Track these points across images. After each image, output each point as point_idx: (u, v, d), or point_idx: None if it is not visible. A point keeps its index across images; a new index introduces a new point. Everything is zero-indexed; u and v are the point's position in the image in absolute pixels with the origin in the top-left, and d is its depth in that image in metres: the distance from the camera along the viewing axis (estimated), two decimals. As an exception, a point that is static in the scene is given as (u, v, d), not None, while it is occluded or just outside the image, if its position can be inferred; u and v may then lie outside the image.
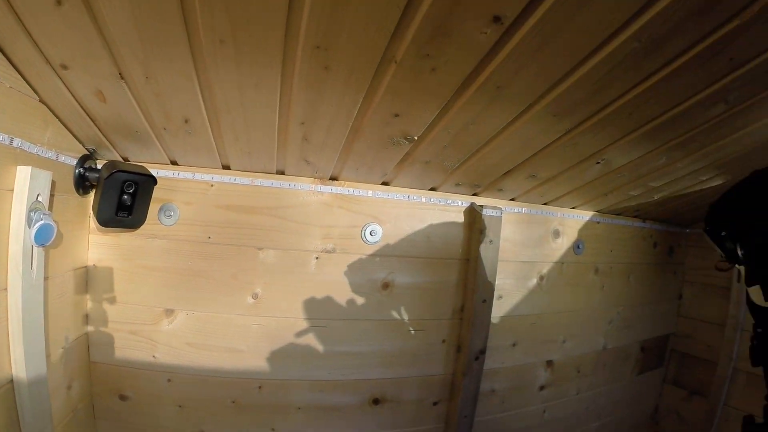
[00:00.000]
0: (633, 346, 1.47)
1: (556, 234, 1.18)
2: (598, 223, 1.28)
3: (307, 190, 0.93)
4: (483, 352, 1.06)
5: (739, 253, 0.55)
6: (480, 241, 1.00)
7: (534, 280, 1.15)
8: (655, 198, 1.22)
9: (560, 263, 1.20)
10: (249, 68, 0.56)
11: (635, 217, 1.40)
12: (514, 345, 1.15)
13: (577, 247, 1.23)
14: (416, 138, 0.76)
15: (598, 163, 0.89)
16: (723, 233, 0.60)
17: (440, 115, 0.69)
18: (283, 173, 0.92)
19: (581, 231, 1.25)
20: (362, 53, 0.53)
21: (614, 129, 0.76)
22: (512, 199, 1.12)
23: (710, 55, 0.56)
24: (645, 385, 1.53)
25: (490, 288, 1.03)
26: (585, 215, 1.25)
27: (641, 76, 0.60)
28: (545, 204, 1.17)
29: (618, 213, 1.34)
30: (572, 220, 1.22)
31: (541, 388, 1.24)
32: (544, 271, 1.17)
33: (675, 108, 0.69)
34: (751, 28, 0.53)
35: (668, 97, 0.66)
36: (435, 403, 1.09)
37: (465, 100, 0.63)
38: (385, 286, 0.98)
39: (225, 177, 0.87)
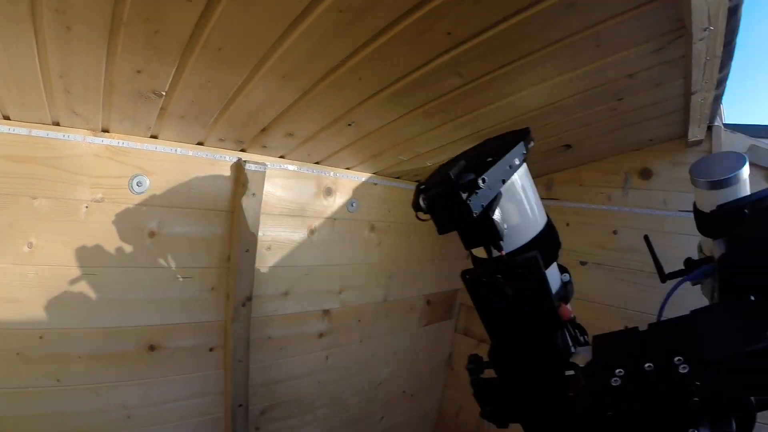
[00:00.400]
0: (417, 299, 2.56)
1: (329, 192, 2.05)
2: (376, 184, 2.20)
3: (80, 141, 1.51)
4: (249, 299, 1.85)
5: (422, 204, 0.92)
6: (243, 194, 1.78)
7: (304, 234, 2.00)
8: (429, 164, 2.18)
9: (332, 219, 2.08)
10: (6, 26, 0.91)
11: (417, 181, 2.40)
12: (286, 294, 1.99)
13: (350, 204, 2.12)
14: (164, 93, 1.23)
15: (349, 125, 1.63)
16: (422, 186, 0.94)
17: (178, 73, 1.13)
18: (58, 124, 1.46)
19: (356, 191, 2.14)
20: (94, 16, 0.89)
21: (350, 92, 1.33)
22: (282, 157, 1.91)
23: (423, 28, 1.00)
24: (436, 334, 2.62)
25: (253, 238, 1.82)
26: (361, 176, 2.15)
27: (355, 44, 1.06)
28: (317, 163, 2.02)
29: (397, 176, 2.29)
30: (347, 180, 2.11)
31: (321, 335, 2.14)
32: (315, 225, 2.03)
33: (406, 77, 1.24)
34: (461, 5, 0.92)
35: (393, 65, 1.19)
36: (211, 349, 1.85)
37: (194, 60, 1.08)
38: (152, 234, 1.67)
39: (4, 127, 1.38)
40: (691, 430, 0.79)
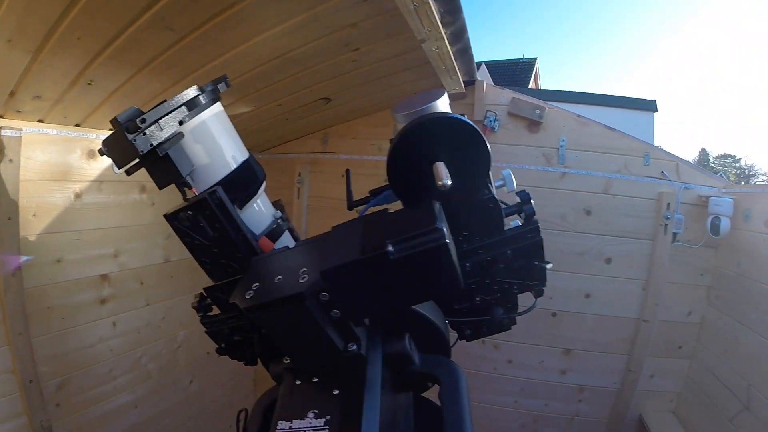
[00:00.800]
0: (205, 257, 3.14)
1: (92, 154, 2.42)
2: (143, 144, 2.80)
3: None
4: (18, 268, 2.20)
5: (103, 148, 1.09)
6: (0, 161, 2.11)
7: (70, 198, 2.36)
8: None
9: (99, 182, 2.46)
10: None
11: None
12: (58, 261, 2.33)
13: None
14: None
15: (89, 84, 1.97)
16: None
17: None
18: None
19: (123, 152, 2.71)
20: None
21: (76, 52, 1.65)
22: (40, 121, 2.22)
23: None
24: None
25: (14, 205, 2.13)
26: (127, 137, 2.72)
27: (59, 7, 1.38)
28: (77, 126, 2.36)
29: (165, 134, 2.89)
30: (111, 142, 2.66)
31: (103, 301, 2.52)
32: (81, 189, 2.39)
33: (121, 36, 1.58)
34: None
35: (104, 25, 1.52)
36: (-4, 326, 2.12)
37: None
38: None
39: None
40: (350, 344, 0.86)
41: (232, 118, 2.52)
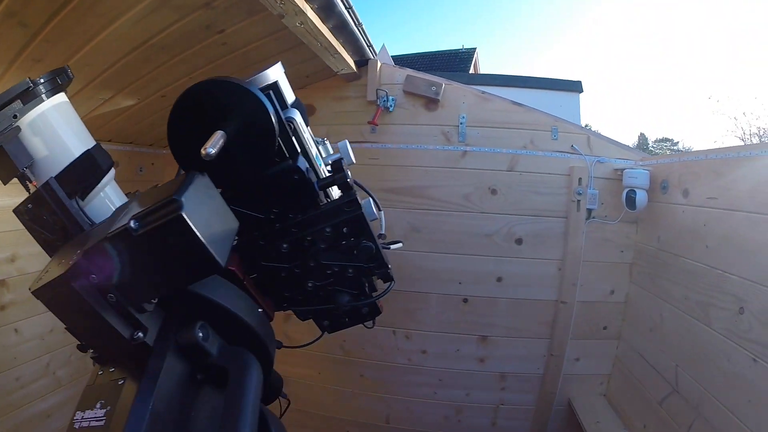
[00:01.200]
0: (115, 260, 3.25)
1: None
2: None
3: None
4: None
5: None
6: None
7: None
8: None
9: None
10: None
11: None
12: None
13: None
14: None
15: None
16: None
17: None
18: None
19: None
20: None
21: None
22: None
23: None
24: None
25: None
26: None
27: None
28: None
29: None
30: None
31: (3, 307, 2.67)
32: None
33: None
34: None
35: None
36: None
37: None
38: None
39: None
40: (136, 333, 0.87)
41: (117, 113, 2.79)
